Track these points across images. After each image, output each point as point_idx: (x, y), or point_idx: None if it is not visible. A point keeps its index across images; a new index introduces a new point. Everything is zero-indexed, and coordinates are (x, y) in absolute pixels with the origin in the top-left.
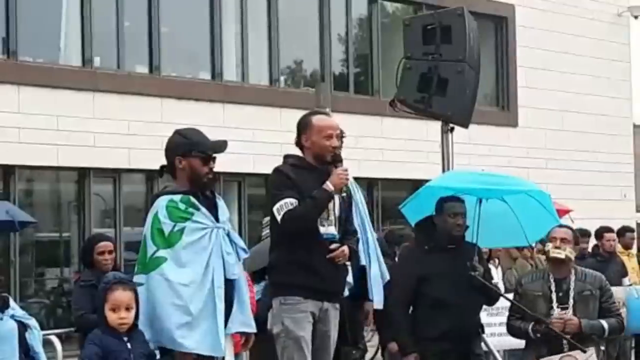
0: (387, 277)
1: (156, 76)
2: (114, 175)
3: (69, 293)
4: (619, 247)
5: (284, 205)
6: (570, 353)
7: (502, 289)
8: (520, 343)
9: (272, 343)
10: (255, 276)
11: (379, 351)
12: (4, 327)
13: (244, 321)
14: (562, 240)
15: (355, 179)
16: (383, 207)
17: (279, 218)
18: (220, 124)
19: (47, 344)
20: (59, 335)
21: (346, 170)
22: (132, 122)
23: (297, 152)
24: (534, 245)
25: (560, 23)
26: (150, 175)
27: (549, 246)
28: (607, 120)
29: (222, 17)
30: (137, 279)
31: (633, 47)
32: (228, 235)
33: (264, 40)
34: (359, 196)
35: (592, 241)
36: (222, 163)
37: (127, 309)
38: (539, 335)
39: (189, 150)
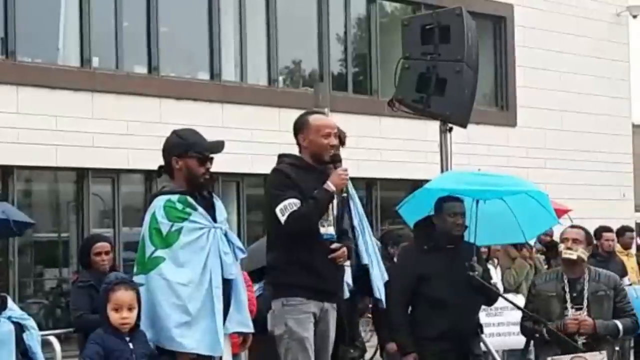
0: (386, 277)
1: (155, 76)
2: (113, 175)
3: (68, 293)
4: (618, 247)
5: (288, 206)
6: (581, 354)
7: (501, 289)
8: (519, 343)
9: (272, 343)
10: (253, 276)
11: (378, 351)
12: (0, 330)
13: (242, 321)
14: (574, 240)
15: (354, 179)
16: (382, 207)
17: (282, 219)
18: (219, 124)
19: (46, 344)
20: (57, 336)
21: (346, 170)
22: (130, 122)
23: (292, 151)
24: (533, 244)
25: (559, 23)
26: (149, 176)
27: (561, 247)
28: (606, 120)
29: (221, 17)
30: (136, 279)
31: (632, 46)
32: (225, 235)
33: (262, 40)
34: (356, 195)
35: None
36: (221, 163)
37: (130, 309)
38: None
39: (186, 151)
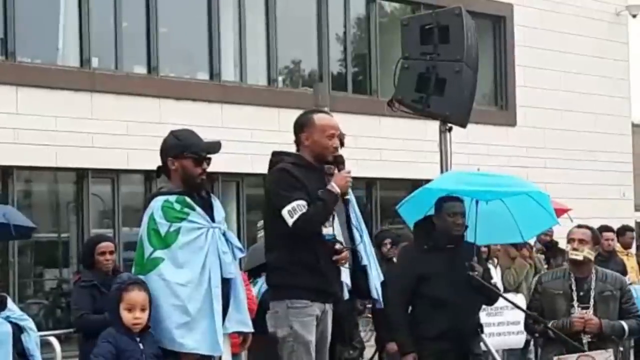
0: (382, 277)
1: (154, 77)
2: (112, 175)
3: (68, 294)
4: (618, 247)
5: (297, 208)
6: (588, 353)
7: (501, 289)
8: (519, 343)
9: (273, 343)
10: (252, 273)
11: (377, 352)
12: None
13: (241, 320)
14: (580, 241)
15: (354, 178)
16: (381, 207)
17: (290, 221)
18: (218, 124)
19: (46, 344)
20: (57, 336)
21: (350, 172)
22: (130, 122)
23: (285, 150)
24: (533, 244)
25: (559, 22)
26: (148, 176)
27: (568, 247)
28: (606, 119)
29: (220, 18)
30: None
31: (631, 46)
32: (224, 234)
33: (262, 41)
34: (353, 197)
35: None
36: (221, 163)
37: (142, 309)
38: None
39: (182, 152)
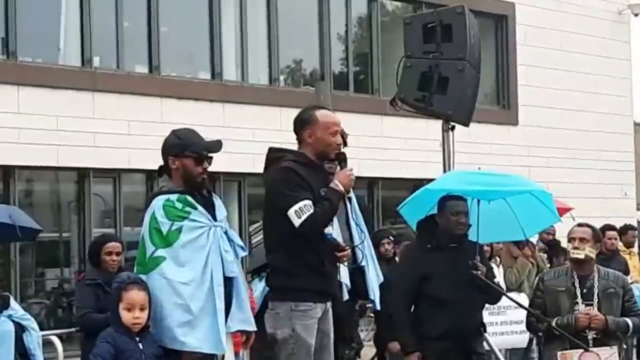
0: (381, 278)
1: (156, 76)
2: (114, 175)
3: (70, 293)
4: (620, 246)
5: (304, 208)
6: (592, 349)
7: (504, 288)
8: (522, 342)
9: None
10: (255, 272)
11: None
12: (0, 329)
13: (244, 319)
14: (581, 240)
15: (355, 178)
16: (383, 206)
17: (298, 222)
18: (220, 123)
19: (47, 344)
20: (59, 336)
21: (352, 169)
22: (131, 122)
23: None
24: (535, 243)
25: (561, 21)
26: (150, 175)
27: (569, 247)
28: (607, 118)
29: (222, 17)
30: None
31: (633, 44)
32: (226, 233)
33: (263, 40)
34: (353, 197)
35: None
36: (222, 162)
37: (142, 309)
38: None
39: (182, 151)
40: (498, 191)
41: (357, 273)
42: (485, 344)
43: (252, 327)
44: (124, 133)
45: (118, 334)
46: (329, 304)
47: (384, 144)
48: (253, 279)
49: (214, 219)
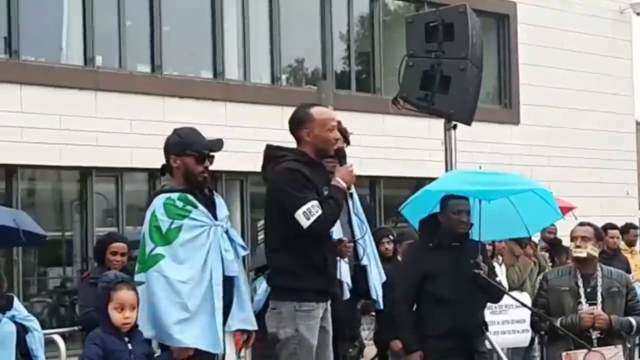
0: (384, 277)
1: (158, 75)
2: (117, 174)
3: (72, 292)
4: (622, 245)
5: (312, 209)
6: (597, 349)
7: (506, 287)
8: (524, 341)
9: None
10: (257, 271)
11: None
12: (2, 330)
13: (245, 319)
14: (583, 238)
15: (357, 176)
16: (385, 205)
17: (307, 223)
18: (222, 122)
19: (50, 343)
20: (62, 334)
21: (352, 165)
22: (134, 121)
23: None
24: (537, 242)
25: (562, 20)
26: (152, 174)
27: (571, 245)
28: (609, 117)
29: (224, 16)
30: (137, 277)
31: (635, 43)
32: (227, 232)
33: (265, 39)
34: (356, 195)
35: None
36: (224, 162)
37: (132, 308)
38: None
39: (183, 149)
40: (498, 191)
41: (359, 272)
42: (487, 343)
43: (252, 326)
44: (126, 132)
45: (106, 334)
46: (328, 303)
47: (386, 143)
48: (257, 277)
49: (215, 218)
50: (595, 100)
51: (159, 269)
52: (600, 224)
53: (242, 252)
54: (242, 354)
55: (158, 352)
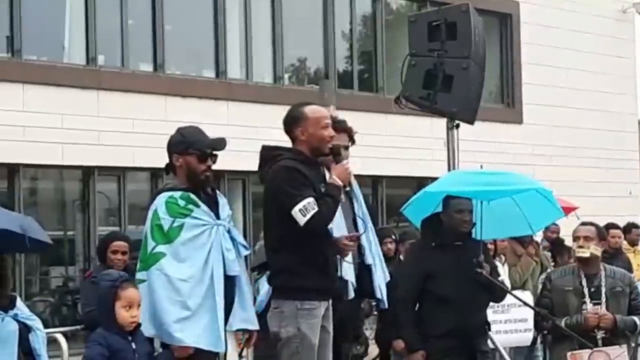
0: (388, 277)
1: (160, 74)
2: (119, 173)
3: (74, 291)
4: (624, 244)
5: (308, 207)
6: (601, 349)
7: (509, 287)
8: (526, 340)
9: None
10: (260, 270)
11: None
12: (4, 329)
13: (246, 318)
14: (585, 238)
15: (360, 176)
16: (388, 204)
17: (303, 220)
18: (224, 121)
19: (52, 342)
20: (64, 333)
21: (348, 162)
22: (136, 120)
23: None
24: (540, 242)
25: (565, 19)
26: (154, 173)
27: (574, 246)
28: (612, 117)
29: (226, 16)
30: (139, 276)
31: (638, 43)
32: (228, 232)
33: (268, 38)
34: (360, 195)
35: None
36: (226, 161)
37: (138, 307)
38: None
39: (186, 148)
40: (498, 191)
41: (364, 271)
42: (489, 342)
43: (254, 326)
44: (128, 131)
45: (110, 333)
46: (329, 301)
47: (388, 142)
48: (260, 276)
49: (217, 217)
50: (597, 99)
51: (160, 267)
52: (602, 223)
53: (244, 252)
54: (243, 353)
55: (160, 351)
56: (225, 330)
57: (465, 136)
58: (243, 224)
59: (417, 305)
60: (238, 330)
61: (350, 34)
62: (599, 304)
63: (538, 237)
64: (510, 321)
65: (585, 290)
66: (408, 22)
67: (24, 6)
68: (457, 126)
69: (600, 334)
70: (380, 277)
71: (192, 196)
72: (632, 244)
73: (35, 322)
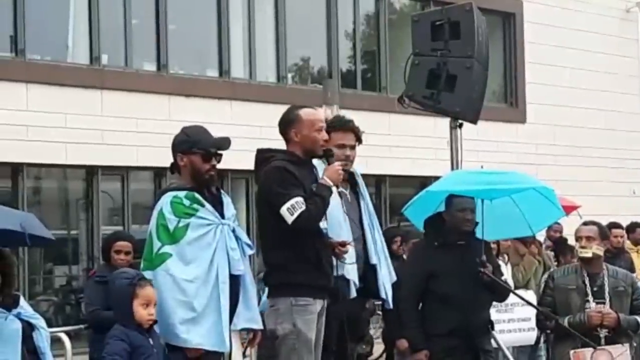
0: (394, 277)
1: (164, 74)
2: (122, 172)
3: (78, 290)
4: (628, 244)
5: (296, 205)
6: (604, 347)
7: (512, 286)
8: (529, 340)
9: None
10: None
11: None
12: (8, 327)
13: (250, 317)
14: (588, 238)
15: (363, 175)
16: (391, 203)
17: (291, 219)
18: (227, 121)
19: (56, 341)
20: (67, 333)
21: (340, 164)
22: (139, 119)
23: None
24: (543, 241)
25: (569, 19)
26: (158, 173)
27: (576, 246)
28: (615, 116)
29: (230, 15)
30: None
31: None
32: (233, 231)
33: (271, 38)
34: (367, 194)
35: None
36: (230, 160)
37: (154, 305)
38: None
39: (190, 148)
40: (499, 190)
41: (369, 271)
42: (492, 341)
43: (258, 325)
44: (132, 130)
45: (130, 330)
46: (325, 302)
47: (391, 142)
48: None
49: (222, 216)
50: (601, 99)
51: (166, 267)
52: (605, 223)
53: (249, 251)
54: (247, 352)
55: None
56: (230, 330)
57: (469, 135)
58: (246, 223)
59: (421, 304)
60: (242, 329)
61: (353, 33)
62: (603, 303)
63: (541, 236)
64: (514, 320)
65: (588, 290)
66: (411, 21)
67: (27, 6)
68: (461, 125)
69: (603, 333)
70: (386, 276)
71: (197, 196)
72: (636, 243)
73: (39, 321)
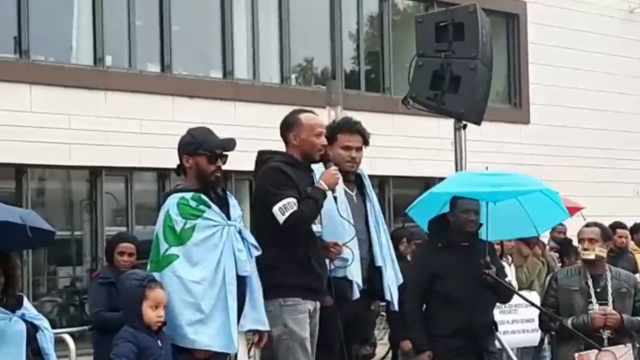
0: (401, 279)
1: (167, 75)
2: (126, 173)
3: (81, 291)
4: (632, 244)
5: (288, 205)
6: (608, 348)
7: (515, 287)
8: (533, 341)
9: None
10: None
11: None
12: (12, 329)
13: (257, 319)
14: (590, 240)
15: (369, 176)
16: (394, 204)
17: (282, 219)
18: (231, 122)
19: (59, 342)
20: (71, 334)
21: (336, 169)
22: (143, 120)
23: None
24: (547, 242)
25: (572, 20)
26: (162, 174)
27: (579, 247)
28: (619, 117)
29: (233, 16)
30: None
31: None
32: (240, 232)
33: (275, 38)
34: (374, 195)
35: None
36: (233, 161)
37: (163, 307)
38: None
39: (195, 149)
40: (504, 192)
41: (374, 273)
42: (496, 342)
43: (264, 326)
44: (135, 132)
45: (138, 331)
46: (317, 303)
47: (395, 143)
48: None
49: (228, 217)
50: (604, 99)
51: (173, 269)
52: (609, 224)
53: (255, 252)
54: (251, 353)
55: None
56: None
57: (473, 136)
58: (250, 224)
59: (424, 305)
60: (249, 330)
61: (357, 34)
62: (606, 304)
63: (545, 237)
64: (518, 321)
65: (591, 291)
66: (415, 22)
67: (31, 7)
68: (465, 127)
69: (606, 334)
70: (391, 278)
71: (203, 197)
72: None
73: (43, 322)
